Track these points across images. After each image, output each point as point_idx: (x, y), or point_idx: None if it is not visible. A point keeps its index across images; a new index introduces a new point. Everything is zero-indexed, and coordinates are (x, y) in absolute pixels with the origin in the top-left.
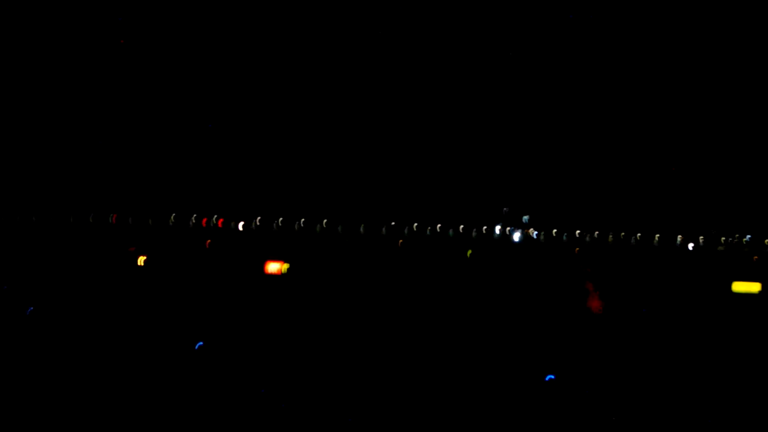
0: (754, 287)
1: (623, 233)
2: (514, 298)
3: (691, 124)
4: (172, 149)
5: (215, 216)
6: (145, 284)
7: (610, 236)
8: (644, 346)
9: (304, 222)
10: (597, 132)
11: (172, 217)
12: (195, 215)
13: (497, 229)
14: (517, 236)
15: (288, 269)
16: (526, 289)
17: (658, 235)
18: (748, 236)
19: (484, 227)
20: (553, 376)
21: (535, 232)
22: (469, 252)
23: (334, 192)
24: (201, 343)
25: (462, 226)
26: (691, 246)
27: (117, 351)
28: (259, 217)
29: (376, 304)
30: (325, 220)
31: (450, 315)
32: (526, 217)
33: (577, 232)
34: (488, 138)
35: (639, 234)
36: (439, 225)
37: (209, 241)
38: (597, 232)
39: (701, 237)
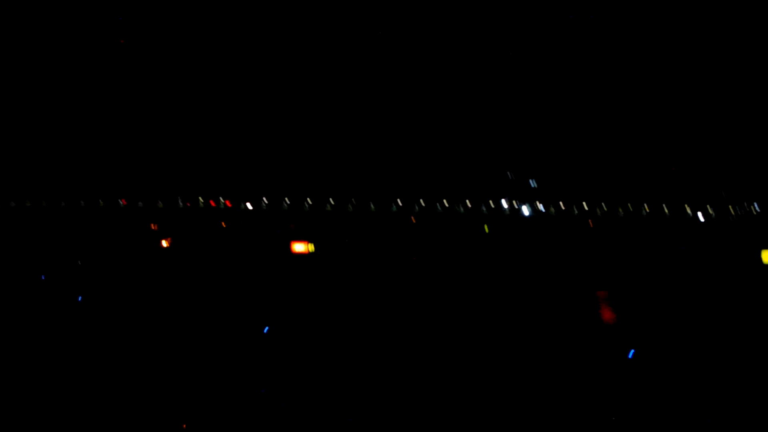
0: None
1: (630, 204)
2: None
3: (694, 97)
4: (174, 132)
5: (221, 197)
6: (175, 267)
7: (620, 209)
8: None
9: (312, 200)
10: (599, 96)
11: (179, 199)
12: (201, 197)
13: (503, 202)
14: (525, 211)
15: (313, 250)
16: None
17: (665, 206)
18: (755, 204)
19: (490, 201)
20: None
21: (541, 206)
22: (486, 228)
23: (339, 170)
24: (267, 328)
25: (468, 201)
26: (701, 216)
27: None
28: (265, 198)
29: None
30: (331, 199)
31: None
32: (533, 182)
33: (584, 204)
34: (488, 110)
35: (646, 204)
36: (445, 200)
37: (224, 222)
38: (605, 204)
39: (708, 206)
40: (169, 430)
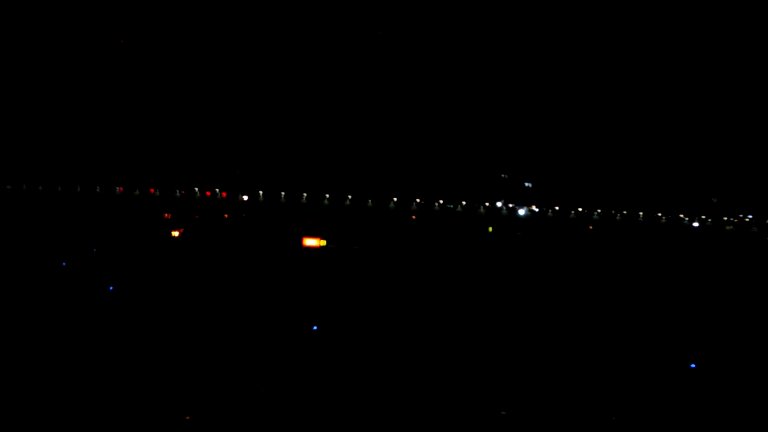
0: None
1: (626, 211)
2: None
3: (690, 104)
4: (172, 122)
5: (218, 189)
6: (186, 258)
7: (617, 214)
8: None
9: (308, 196)
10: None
11: (178, 190)
12: (197, 188)
13: (499, 204)
14: (522, 212)
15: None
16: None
17: (660, 214)
18: (749, 216)
19: (487, 203)
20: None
21: (536, 209)
22: (490, 228)
23: (338, 166)
24: (315, 327)
25: (464, 202)
26: (696, 224)
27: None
28: (262, 191)
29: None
30: (328, 195)
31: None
32: (528, 184)
33: (579, 208)
34: (486, 109)
35: (641, 212)
36: (441, 201)
37: (226, 214)
38: (600, 210)
39: (704, 215)
40: (172, 420)
